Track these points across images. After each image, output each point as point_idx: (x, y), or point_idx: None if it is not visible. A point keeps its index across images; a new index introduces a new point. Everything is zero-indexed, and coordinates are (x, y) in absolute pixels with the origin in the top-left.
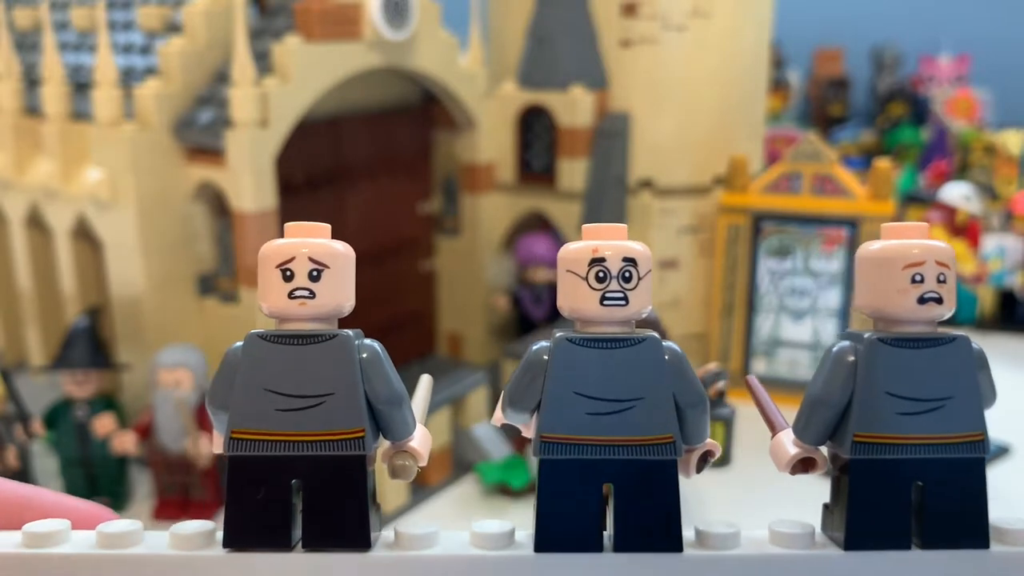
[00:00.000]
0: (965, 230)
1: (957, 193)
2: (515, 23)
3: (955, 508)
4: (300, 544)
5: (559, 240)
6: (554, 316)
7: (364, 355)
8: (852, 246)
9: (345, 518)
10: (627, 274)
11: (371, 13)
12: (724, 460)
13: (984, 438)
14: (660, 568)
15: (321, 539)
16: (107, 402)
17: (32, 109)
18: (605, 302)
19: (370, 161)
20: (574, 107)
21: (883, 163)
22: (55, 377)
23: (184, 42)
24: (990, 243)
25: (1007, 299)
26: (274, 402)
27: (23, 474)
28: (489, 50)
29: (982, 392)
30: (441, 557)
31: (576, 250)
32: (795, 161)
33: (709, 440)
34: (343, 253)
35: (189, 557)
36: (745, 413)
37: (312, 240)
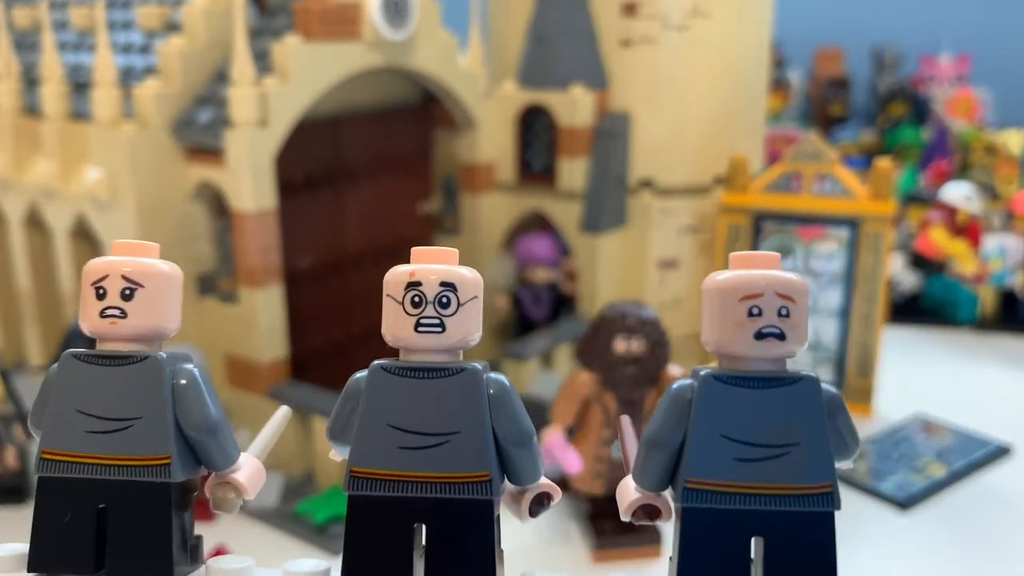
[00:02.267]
0: (966, 230)
1: (958, 193)
2: (515, 23)
3: (799, 567)
4: (104, 571)
5: (559, 240)
6: (554, 316)
7: (181, 381)
8: (852, 246)
9: (149, 546)
10: (444, 299)
11: (371, 13)
12: None
13: (833, 490)
14: None
15: (123, 568)
16: None
17: (31, 109)
18: (419, 328)
19: (370, 161)
20: (574, 107)
21: (884, 163)
22: None
23: (184, 42)
24: (991, 243)
25: (1008, 299)
26: (85, 424)
27: (22, 474)
28: (489, 50)
29: (838, 440)
30: None
31: (396, 273)
32: (795, 161)
33: (545, 481)
34: (165, 273)
35: None
36: None
37: (130, 258)
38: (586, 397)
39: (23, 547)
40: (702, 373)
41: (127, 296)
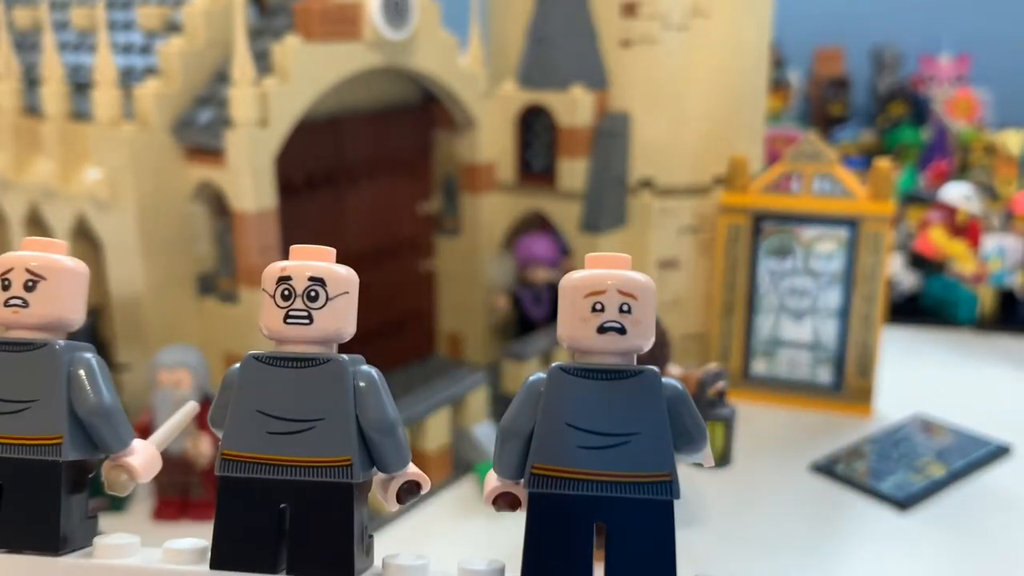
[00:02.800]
0: (965, 230)
1: (957, 193)
2: (515, 23)
3: (640, 553)
4: (284, 569)
5: (559, 240)
6: (554, 316)
7: (360, 382)
8: (852, 246)
9: (330, 546)
10: (312, 293)
11: (371, 13)
12: (724, 460)
13: (672, 479)
14: None
15: (305, 566)
16: None
17: (31, 109)
18: (288, 320)
19: (370, 161)
20: (574, 107)
21: (883, 163)
22: None
23: (184, 42)
24: (990, 243)
25: (1007, 299)
26: (265, 425)
27: None
28: (489, 50)
29: (681, 431)
30: (126, 569)
31: (270, 269)
32: (795, 161)
33: (413, 470)
34: (68, 268)
35: (178, 571)
36: (745, 413)
37: (36, 253)
38: None
39: (204, 542)
40: (552, 365)
41: (30, 287)
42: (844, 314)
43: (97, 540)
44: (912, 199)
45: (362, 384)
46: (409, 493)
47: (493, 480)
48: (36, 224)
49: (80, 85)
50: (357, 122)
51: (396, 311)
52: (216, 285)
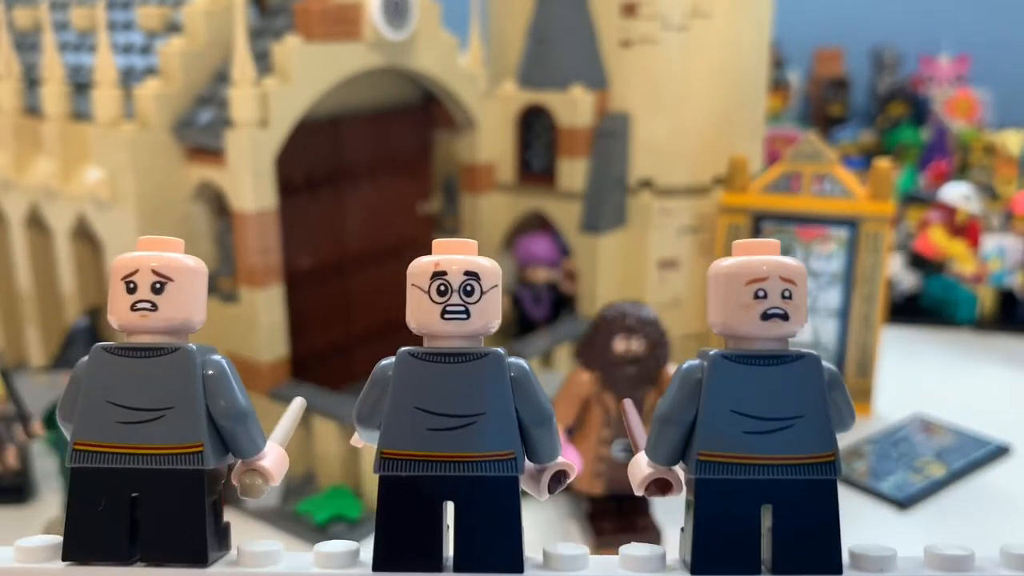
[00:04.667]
0: (965, 230)
1: (957, 193)
2: (515, 23)
3: (807, 532)
4: (138, 558)
5: (559, 240)
6: (554, 316)
7: (209, 371)
8: (852, 246)
9: (182, 533)
10: (469, 288)
11: (371, 13)
12: None
13: (835, 459)
14: None
15: (158, 553)
16: None
17: (32, 109)
18: (446, 316)
19: (370, 161)
20: (574, 107)
21: (883, 163)
22: (55, 377)
23: (184, 42)
24: (990, 243)
25: (1007, 299)
26: (116, 415)
27: (23, 474)
28: (489, 50)
29: (836, 412)
30: (281, 574)
31: (420, 264)
32: (795, 161)
33: (562, 460)
34: (192, 267)
35: (28, 570)
36: None
37: (158, 253)
38: (586, 397)
39: (56, 538)
40: (711, 353)
41: (157, 290)
42: (844, 314)
43: (241, 547)
44: (912, 199)
45: (513, 375)
46: (558, 483)
47: (645, 466)
48: (36, 224)
49: (80, 85)
50: (357, 122)
51: (396, 311)
52: (216, 285)
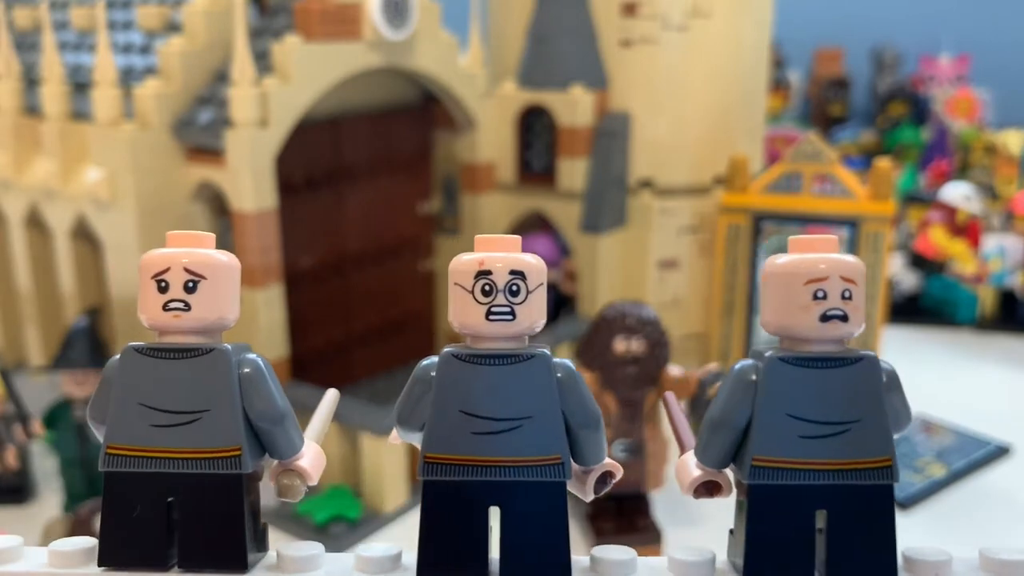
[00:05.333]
0: (965, 230)
1: (957, 193)
2: (515, 23)
3: (862, 538)
4: (176, 564)
5: (559, 240)
6: (555, 316)
7: (245, 370)
8: (852, 246)
9: (222, 538)
10: (514, 288)
11: (371, 13)
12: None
13: (892, 464)
14: None
15: (197, 559)
16: None
17: (32, 109)
18: (491, 317)
19: (370, 161)
20: (574, 107)
21: (883, 163)
22: (55, 377)
23: (184, 42)
24: (990, 243)
25: (1007, 299)
26: (149, 418)
27: (23, 474)
28: (489, 50)
29: (893, 415)
30: None
31: (464, 262)
32: (795, 161)
33: (608, 460)
34: (225, 264)
35: (65, 575)
36: None
37: (190, 249)
38: None
39: (90, 541)
40: (767, 355)
41: (190, 288)
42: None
43: (281, 551)
44: (912, 199)
45: (560, 376)
46: (603, 484)
47: (694, 468)
48: (36, 224)
49: (80, 85)
50: (357, 122)
51: (396, 311)
52: None
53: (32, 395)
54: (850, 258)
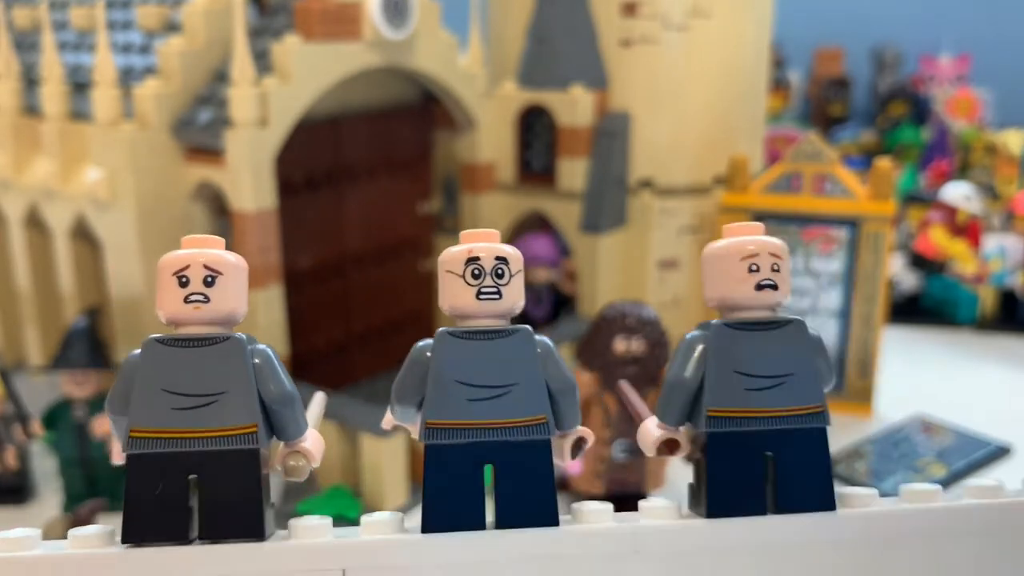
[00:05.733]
0: (966, 230)
1: (958, 193)
2: (515, 23)
3: (804, 475)
4: (196, 537)
5: (559, 240)
6: (554, 316)
7: (256, 360)
8: (852, 246)
9: (240, 510)
10: (499, 271)
11: (371, 13)
12: None
13: (823, 409)
14: (539, 542)
15: (218, 531)
16: None
17: (31, 109)
18: (480, 297)
19: (370, 161)
20: (574, 107)
21: (884, 163)
22: (54, 377)
23: (183, 42)
24: (991, 243)
25: (1008, 299)
26: (172, 401)
27: (23, 474)
28: (489, 50)
29: (821, 374)
30: (334, 544)
31: (454, 252)
32: (795, 161)
33: (581, 427)
34: (236, 263)
35: (88, 555)
36: None
37: (206, 250)
38: (586, 397)
39: (106, 528)
40: (712, 323)
41: (209, 283)
42: (844, 314)
43: (293, 523)
44: (912, 199)
45: (539, 349)
46: (579, 448)
47: (655, 428)
48: (35, 224)
49: (80, 85)
50: (357, 122)
51: (396, 311)
52: None
53: (32, 395)
54: (774, 239)
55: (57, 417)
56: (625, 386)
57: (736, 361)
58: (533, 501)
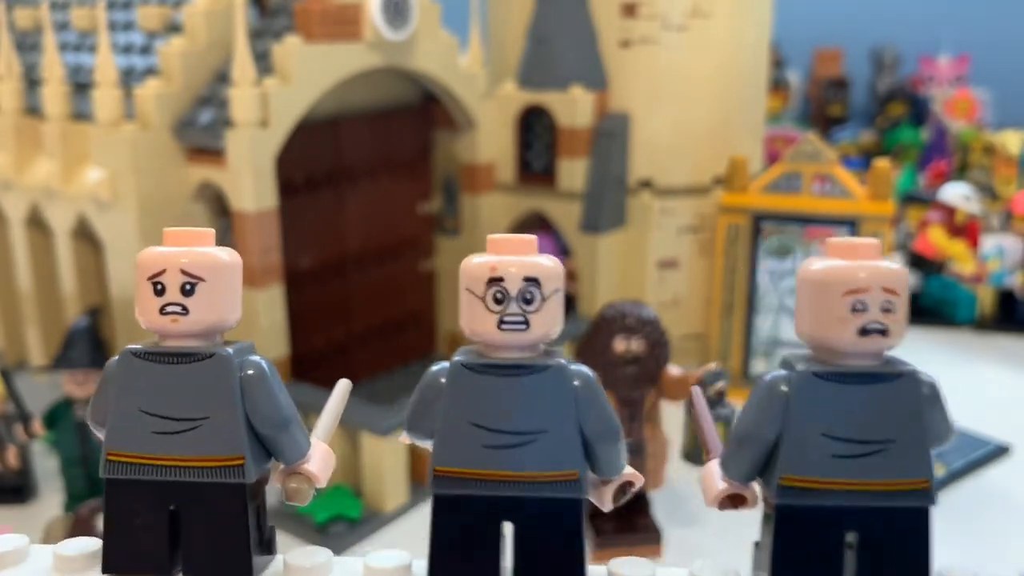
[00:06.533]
0: (964, 230)
1: (957, 193)
2: (515, 23)
3: (894, 562)
4: (180, 572)
5: (559, 240)
6: None
7: (248, 372)
8: None
9: (225, 547)
10: (528, 296)
11: (371, 13)
12: None
13: (930, 486)
14: None
15: (201, 568)
16: None
17: (32, 109)
18: (503, 326)
19: (370, 161)
20: (574, 107)
21: (883, 163)
22: (55, 377)
23: (184, 42)
24: (989, 243)
25: (1006, 299)
26: (150, 424)
27: (24, 473)
28: (489, 50)
29: (933, 431)
30: None
31: (475, 266)
32: (795, 161)
33: (628, 471)
34: (225, 263)
35: None
36: None
37: (187, 249)
38: None
39: (94, 543)
40: (799, 369)
41: (188, 291)
42: None
43: (288, 559)
44: (911, 199)
45: (577, 385)
46: (623, 493)
47: (719, 480)
48: (37, 224)
49: (81, 85)
50: (357, 122)
51: (396, 311)
52: None
53: (33, 395)
54: (893, 265)
55: (58, 417)
56: (697, 395)
57: (824, 420)
58: (558, 568)
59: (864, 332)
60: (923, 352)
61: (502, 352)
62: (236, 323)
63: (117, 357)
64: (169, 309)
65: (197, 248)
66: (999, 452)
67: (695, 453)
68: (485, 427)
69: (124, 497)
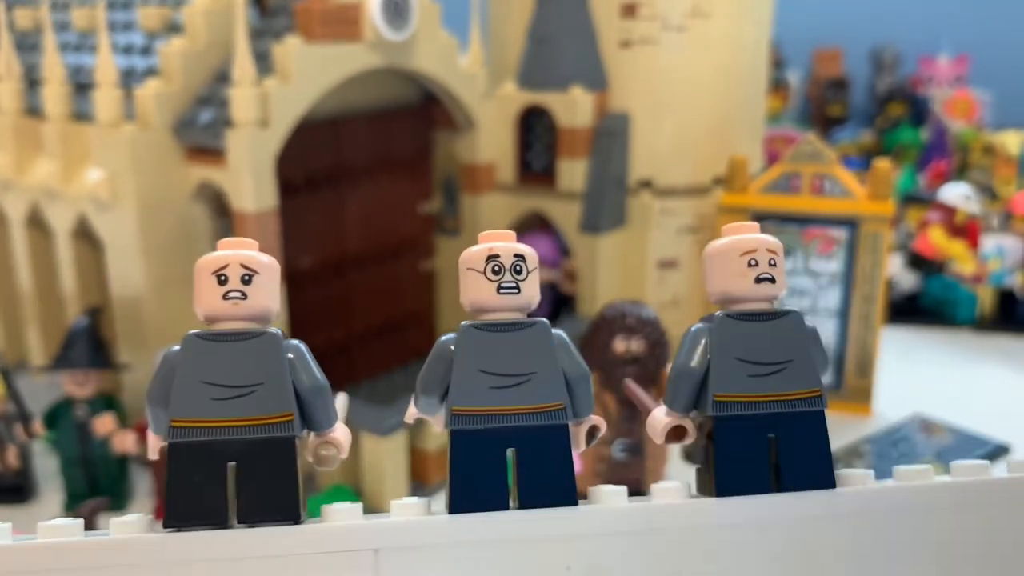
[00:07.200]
0: (964, 230)
1: (956, 193)
2: (515, 23)
3: (805, 455)
4: (236, 522)
5: (559, 240)
6: (554, 316)
7: (289, 355)
8: (851, 246)
9: (277, 494)
10: (518, 268)
11: (371, 13)
12: None
13: (821, 394)
14: (559, 521)
15: (256, 514)
16: (107, 402)
17: (32, 109)
18: (501, 291)
19: (370, 161)
20: (574, 107)
21: (883, 163)
22: (55, 377)
23: (184, 42)
24: (989, 243)
25: (1006, 299)
26: (211, 392)
27: (24, 473)
28: (489, 50)
29: (816, 360)
30: (366, 525)
31: (475, 250)
32: (795, 161)
33: (593, 416)
34: (271, 263)
35: (132, 539)
36: None
37: (243, 251)
38: None
39: (144, 516)
40: (716, 315)
41: (246, 281)
42: (843, 314)
43: (326, 508)
44: (911, 199)
45: (555, 341)
46: (592, 436)
47: (663, 416)
48: (37, 224)
49: (81, 86)
50: (357, 122)
51: (397, 311)
52: None
53: (33, 395)
54: (772, 237)
55: (58, 416)
56: (630, 383)
57: (739, 349)
58: (553, 482)
59: (758, 280)
60: (923, 352)
61: (499, 314)
62: (276, 316)
63: (179, 344)
64: (231, 295)
65: (250, 251)
66: (999, 452)
67: (695, 453)
68: (490, 372)
69: (186, 459)
